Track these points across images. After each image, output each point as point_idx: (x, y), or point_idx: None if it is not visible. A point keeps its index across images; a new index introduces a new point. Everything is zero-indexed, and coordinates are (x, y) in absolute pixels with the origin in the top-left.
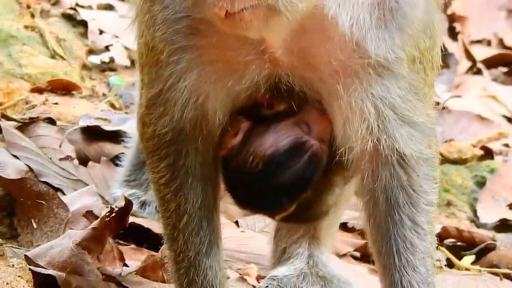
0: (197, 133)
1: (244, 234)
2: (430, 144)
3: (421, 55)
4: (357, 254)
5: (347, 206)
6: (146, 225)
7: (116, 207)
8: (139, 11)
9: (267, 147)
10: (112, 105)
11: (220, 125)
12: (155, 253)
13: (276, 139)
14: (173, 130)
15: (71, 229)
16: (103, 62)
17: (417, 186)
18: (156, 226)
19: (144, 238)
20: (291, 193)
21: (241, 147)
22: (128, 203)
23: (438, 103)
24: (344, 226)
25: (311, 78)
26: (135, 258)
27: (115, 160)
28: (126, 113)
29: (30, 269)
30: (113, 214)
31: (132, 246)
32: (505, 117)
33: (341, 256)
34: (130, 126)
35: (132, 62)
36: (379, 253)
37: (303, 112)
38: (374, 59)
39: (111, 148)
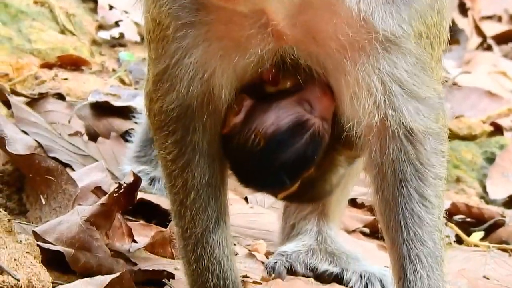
0: (204, 109)
1: (253, 210)
2: (437, 118)
3: (428, 30)
4: (366, 230)
5: (356, 181)
6: (155, 201)
7: (124, 183)
8: None
9: (268, 125)
10: (122, 81)
11: (226, 102)
12: (164, 229)
13: (278, 117)
14: (180, 106)
15: (79, 205)
16: (113, 38)
17: (424, 159)
18: (165, 202)
19: (153, 215)
20: (292, 171)
21: (243, 125)
22: (137, 179)
23: (447, 79)
24: (353, 202)
25: (317, 53)
26: (144, 234)
27: (124, 136)
28: (136, 88)
29: (38, 245)
30: (122, 190)
31: (141, 222)
32: None
33: (350, 232)
34: (139, 102)
35: (142, 38)
36: (387, 227)
37: (306, 90)
38: (381, 34)
39: (120, 124)
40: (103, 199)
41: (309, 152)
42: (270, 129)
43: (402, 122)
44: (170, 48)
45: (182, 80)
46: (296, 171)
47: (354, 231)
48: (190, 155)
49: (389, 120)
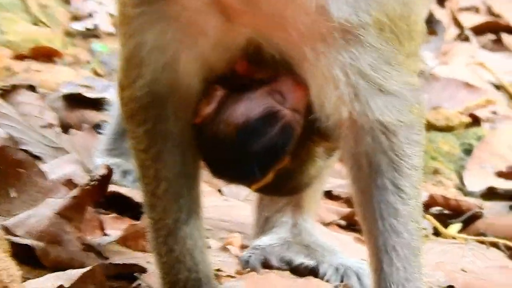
0: (175, 97)
1: (227, 203)
2: (411, 110)
3: (391, 23)
4: (343, 222)
5: (331, 173)
6: (127, 194)
7: (96, 175)
8: None
9: (239, 115)
10: (95, 72)
11: (197, 91)
12: (136, 222)
13: (248, 108)
14: (149, 94)
15: (50, 198)
16: (87, 29)
17: (399, 150)
18: (138, 195)
19: (126, 207)
20: (263, 163)
21: (215, 115)
22: (109, 172)
23: (424, 71)
24: (329, 194)
25: (280, 42)
26: (116, 227)
27: (97, 128)
28: (109, 80)
29: (7, 239)
30: (94, 183)
31: (113, 215)
32: (492, 84)
33: (326, 224)
34: (113, 93)
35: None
36: (364, 218)
37: (278, 81)
38: (337, 23)
39: (93, 116)
40: (75, 191)
41: (279, 143)
42: (240, 120)
43: (372, 116)
44: (132, 29)
45: (147, 65)
46: (267, 162)
47: (330, 223)
48: (161, 144)
49: (358, 114)
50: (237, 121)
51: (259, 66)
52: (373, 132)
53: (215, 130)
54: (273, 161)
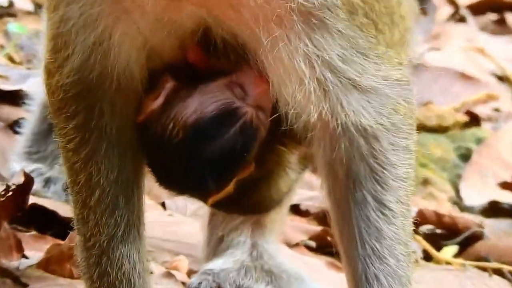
0: (111, 86)
1: (172, 219)
2: (395, 109)
3: (365, 5)
4: (312, 243)
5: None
6: (50, 207)
7: (13, 184)
8: None
9: (189, 113)
10: (11, 59)
11: (138, 81)
12: (61, 242)
13: (201, 104)
14: (79, 81)
15: None
16: (1, 7)
17: (381, 157)
18: (63, 208)
19: (48, 223)
20: (218, 171)
21: (161, 112)
22: (29, 180)
23: (411, 58)
24: (296, 209)
25: (231, 23)
26: (37, 247)
27: (14, 127)
28: (29, 68)
29: None
30: (10, 194)
31: (33, 233)
32: (494, 75)
33: (293, 246)
34: (32, 84)
35: (37, 6)
36: (341, 239)
37: (239, 72)
38: (295, 2)
39: (9, 112)
40: None
41: (239, 147)
42: (191, 118)
43: (345, 118)
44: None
45: (76, 46)
46: (223, 170)
47: (297, 244)
48: (95, 143)
49: (329, 115)
50: (187, 120)
51: (216, 55)
52: (350, 136)
53: (161, 129)
54: (231, 169)
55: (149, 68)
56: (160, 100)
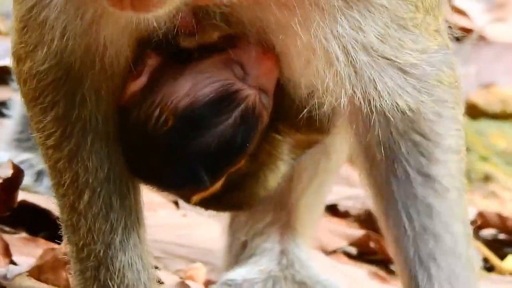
0: (95, 71)
1: (186, 220)
2: (439, 80)
3: None
4: (353, 250)
5: (334, 179)
6: (43, 205)
7: (0, 178)
8: None
9: (181, 96)
10: None
11: (125, 59)
12: (55, 246)
13: (195, 85)
14: (57, 67)
15: None
16: None
17: (424, 129)
18: None
19: (40, 224)
20: (214, 165)
21: (145, 94)
22: (18, 173)
23: (468, 30)
24: (333, 209)
25: (251, 5)
26: (28, 252)
27: (0, 109)
28: None
29: None
30: None
31: (23, 235)
32: None
33: (330, 253)
34: None
35: None
36: (388, 226)
37: (238, 48)
38: None
39: None
40: None
41: (239, 137)
42: (183, 103)
43: (379, 100)
44: None
45: (54, 27)
46: (219, 164)
47: (334, 251)
48: (79, 137)
49: (360, 98)
50: (178, 104)
51: (210, 24)
52: (385, 115)
53: (145, 116)
54: (228, 162)
55: (134, 42)
56: (142, 80)
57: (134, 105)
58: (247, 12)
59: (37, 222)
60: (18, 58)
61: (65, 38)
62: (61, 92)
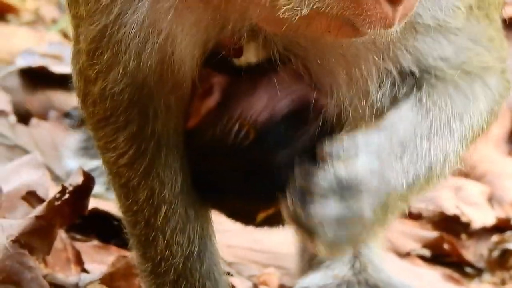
0: (165, 86)
1: None
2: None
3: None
4: (427, 252)
5: None
6: (115, 213)
7: (70, 185)
8: None
9: (259, 109)
10: (65, 35)
11: (190, 78)
12: (128, 253)
13: (272, 98)
14: (132, 85)
15: (3, 218)
16: None
17: None
18: None
19: (112, 232)
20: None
21: (220, 111)
22: (88, 180)
23: None
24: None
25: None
26: (99, 260)
27: (68, 116)
28: None
29: None
30: (66, 196)
31: (95, 242)
32: None
33: (403, 255)
34: None
35: None
36: None
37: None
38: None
39: (63, 99)
40: (39, 209)
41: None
42: (263, 116)
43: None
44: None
45: (130, 47)
46: None
47: (408, 254)
48: (154, 152)
49: None
50: (256, 118)
51: (252, 45)
52: None
53: (223, 132)
54: None
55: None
56: (215, 97)
57: (208, 124)
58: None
59: (108, 230)
60: (87, 79)
61: (140, 57)
62: (135, 110)
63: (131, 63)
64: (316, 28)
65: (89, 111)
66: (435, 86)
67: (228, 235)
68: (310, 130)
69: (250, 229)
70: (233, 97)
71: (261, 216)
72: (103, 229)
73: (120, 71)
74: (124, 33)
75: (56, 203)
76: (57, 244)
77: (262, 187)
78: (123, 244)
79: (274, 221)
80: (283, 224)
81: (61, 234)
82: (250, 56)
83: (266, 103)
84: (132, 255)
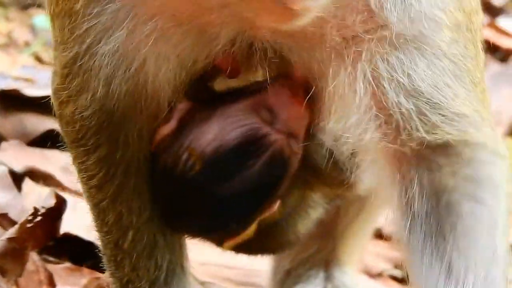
0: (138, 114)
1: None
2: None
3: (467, 19)
4: (398, 273)
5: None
6: (86, 237)
7: (43, 207)
8: None
9: (208, 140)
10: (38, 59)
11: (167, 100)
12: (100, 275)
13: (222, 130)
14: (100, 111)
15: None
16: None
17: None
18: None
19: (85, 254)
20: (243, 210)
21: (174, 138)
22: (61, 203)
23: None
24: (377, 233)
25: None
26: (72, 282)
27: (44, 139)
28: None
29: None
30: (39, 218)
31: (67, 264)
32: None
33: (375, 276)
34: None
35: None
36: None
37: (268, 91)
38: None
39: (36, 122)
40: (11, 231)
41: (266, 183)
42: (211, 147)
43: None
44: (80, 29)
45: (99, 75)
46: (247, 210)
47: (380, 274)
48: (122, 178)
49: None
50: (205, 148)
51: (249, 65)
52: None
53: (174, 160)
54: (256, 209)
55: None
56: (172, 124)
57: (163, 149)
58: (295, 51)
59: (81, 252)
60: (60, 101)
61: (108, 86)
62: (104, 135)
63: (99, 91)
64: (253, 9)
65: (64, 130)
66: None
67: (201, 251)
68: (258, 164)
69: None
70: (188, 125)
71: (229, 244)
72: (75, 251)
73: (89, 97)
74: (94, 62)
75: (28, 225)
76: (29, 266)
77: (212, 217)
78: (95, 266)
79: (247, 249)
80: (258, 253)
81: (34, 256)
82: (248, 75)
83: (215, 134)
84: (104, 277)
